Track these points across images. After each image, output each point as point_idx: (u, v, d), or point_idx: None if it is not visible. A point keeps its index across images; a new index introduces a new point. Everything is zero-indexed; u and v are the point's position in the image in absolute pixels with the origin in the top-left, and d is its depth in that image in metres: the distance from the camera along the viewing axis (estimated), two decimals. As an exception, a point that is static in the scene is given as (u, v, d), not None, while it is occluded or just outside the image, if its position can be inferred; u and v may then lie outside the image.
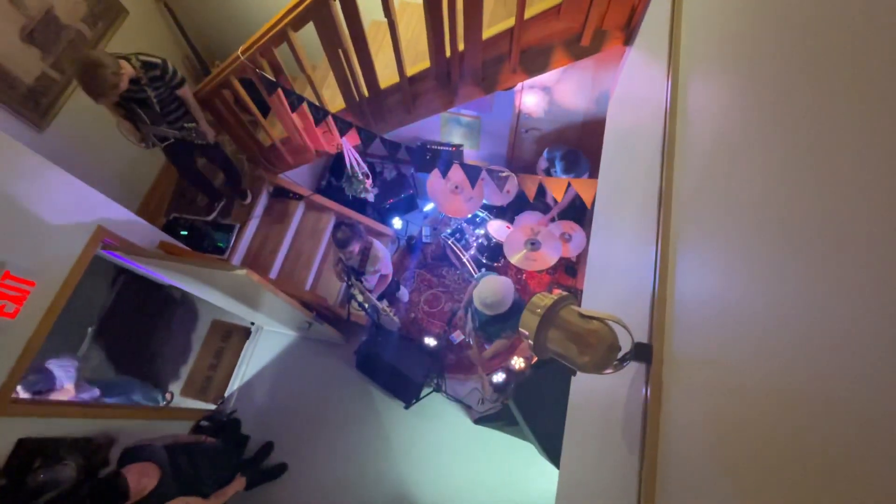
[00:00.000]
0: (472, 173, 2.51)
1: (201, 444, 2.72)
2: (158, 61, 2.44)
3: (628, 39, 2.23)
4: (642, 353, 1.05)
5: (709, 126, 1.13)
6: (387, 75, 2.61)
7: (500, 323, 2.77)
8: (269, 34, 2.35)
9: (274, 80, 2.55)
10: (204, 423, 3.42)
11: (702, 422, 0.84)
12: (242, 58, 2.47)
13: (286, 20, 2.26)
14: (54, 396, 3.04)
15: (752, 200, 0.82)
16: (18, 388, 2.75)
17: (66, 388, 3.10)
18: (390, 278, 3.30)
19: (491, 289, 2.55)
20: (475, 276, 3.01)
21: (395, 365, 3.54)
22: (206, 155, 3.15)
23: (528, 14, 2.16)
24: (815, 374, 0.57)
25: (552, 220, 3.63)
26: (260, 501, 3.37)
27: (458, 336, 3.83)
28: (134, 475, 2.08)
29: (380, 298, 3.27)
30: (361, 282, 3.01)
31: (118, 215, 2.56)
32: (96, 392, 3.32)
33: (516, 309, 2.66)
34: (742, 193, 0.87)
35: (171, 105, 2.61)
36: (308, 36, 2.34)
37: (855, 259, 0.54)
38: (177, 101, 2.63)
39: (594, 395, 1.61)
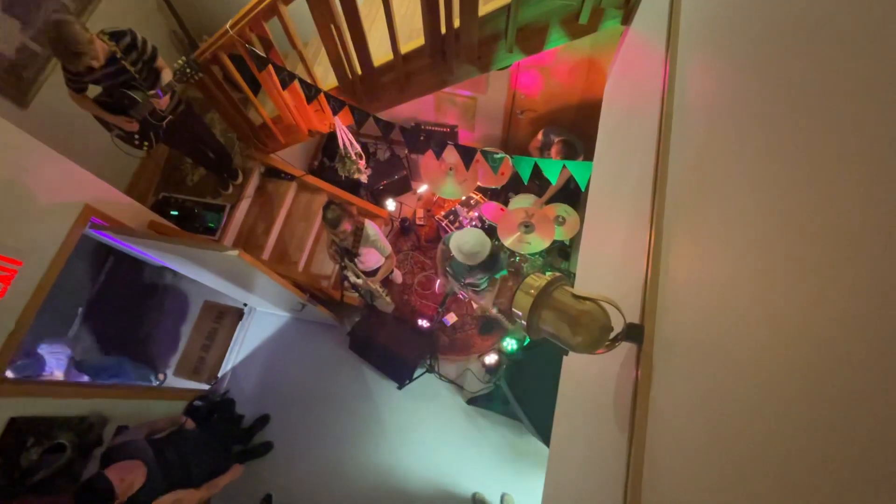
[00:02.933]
0: (467, 155, 2.49)
1: (184, 430, 2.67)
2: (125, 29, 2.33)
3: (627, 18, 2.19)
4: (634, 333, 1.06)
5: (705, 109, 1.12)
6: (380, 53, 2.56)
7: (481, 271, 2.87)
8: (258, 7, 2.29)
9: (264, 55, 2.49)
10: (198, 402, 3.44)
11: (691, 402, 0.85)
12: (231, 32, 2.40)
13: (276, -7, 2.20)
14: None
15: (746, 184, 0.82)
16: (8, 371, 2.74)
17: (55, 375, 3.09)
18: (394, 261, 3.26)
19: (468, 238, 2.65)
20: (443, 239, 3.09)
21: (389, 346, 3.56)
22: (200, 138, 3.08)
23: (525, -10, 2.12)
24: (805, 357, 0.58)
25: (544, 203, 3.62)
26: (251, 481, 3.42)
27: (451, 318, 3.86)
28: (117, 474, 2.03)
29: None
30: (355, 263, 3.00)
31: (106, 194, 2.52)
32: (85, 379, 3.31)
33: (495, 256, 2.79)
34: (737, 177, 0.87)
35: (151, 81, 2.52)
36: (299, 10, 2.28)
37: (849, 243, 0.54)
38: (154, 75, 2.52)
39: (585, 375, 1.63)
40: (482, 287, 3.12)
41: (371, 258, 3.12)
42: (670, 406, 0.93)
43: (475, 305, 3.35)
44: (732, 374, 0.73)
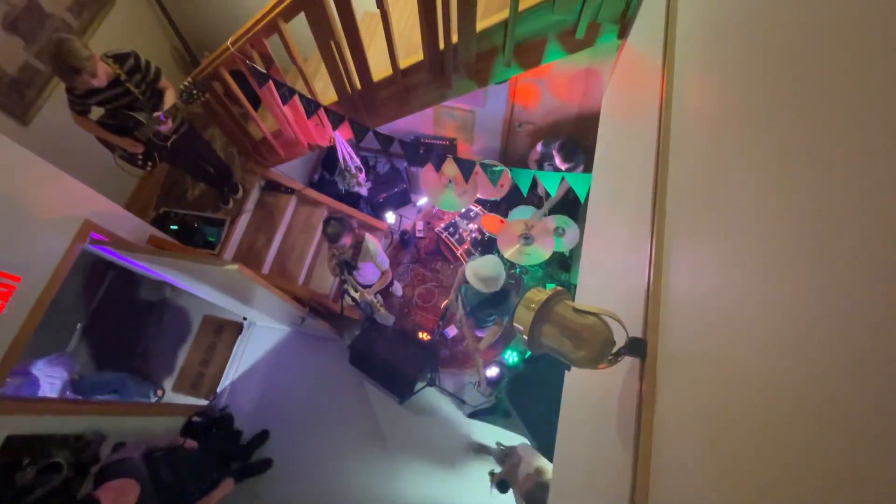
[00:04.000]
0: (466, 167, 2.50)
1: (181, 449, 2.63)
2: (129, 51, 2.35)
3: (623, 32, 2.22)
4: (636, 347, 1.05)
5: (703, 120, 1.12)
6: (380, 68, 2.58)
7: (490, 307, 2.84)
8: (259, 24, 2.31)
9: (265, 71, 2.51)
10: (196, 418, 3.40)
11: (695, 417, 0.84)
12: (232, 49, 2.43)
13: (277, 10, 2.22)
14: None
15: (746, 194, 0.82)
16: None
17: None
18: (390, 275, 3.26)
19: (486, 264, 2.65)
20: (467, 260, 3.08)
21: (389, 360, 3.53)
22: (202, 156, 3.10)
23: (522, 6, 2.14)
24: (809, 369, 0.57)
25: (543, 215, 3.63)
26: (250, 498, 3.36)
27: (451, 331, 3.83)
28: (109, 495, 1.99)
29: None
30: (354, 276, 2.99)
31: (106, 209, 2.52)
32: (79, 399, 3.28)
33: (506, 294, 2.76)
34: (736, 187, 0.86)
35: (155, 101, 2.52)
36: (299, 27, 2.30)
37: (850, 253, 0.53)
38: (158, 96, 2.53)
39: (588, 389, 1.61)
40: (486, 324, 3.09)
41: (368, 272, 3.12)
42: (675, 422, 0.91)
43: (466, 338, 3.30)
44: (740, 388, 0.72)
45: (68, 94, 2.30)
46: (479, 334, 3.24)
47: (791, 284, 0.64)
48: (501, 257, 3.20)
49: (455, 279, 3.11)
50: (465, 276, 2.91)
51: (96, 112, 2.45)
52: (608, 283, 1.69)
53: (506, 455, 2.99)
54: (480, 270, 2.62)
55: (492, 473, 3.24)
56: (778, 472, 0.59)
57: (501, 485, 2.75)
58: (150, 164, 2.68)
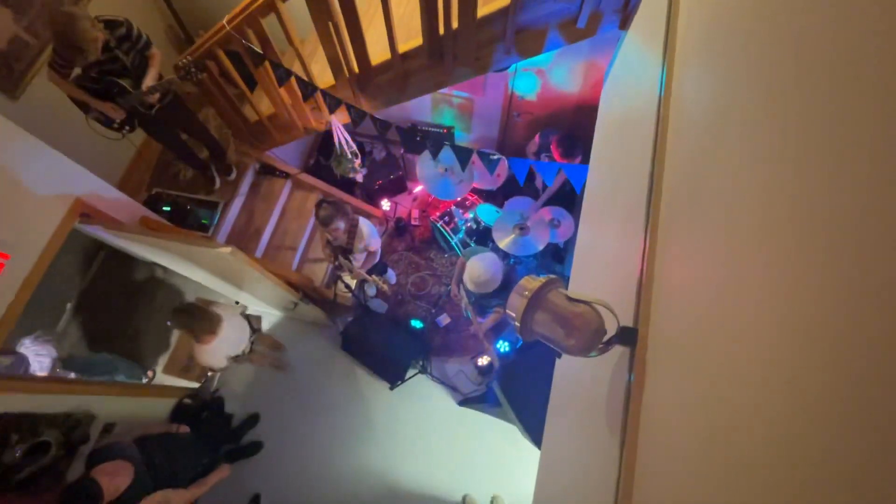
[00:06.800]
0: (463, 156, 2.48)
1: (174, 434, 2.64)
2: (121, 19, 2.31)
3: (624, 23, 2.20)
4: (627, 336, 1.06)
5: (702, 113, 1.12)
6: (378, 51, 2.55)
7: (493, 297, 2.90)
8: (256, 3, 2.27)
9: (261, 52, 2.47)
10: (187, 401, 3.40)
11: (683, 405, 0.85)
12: (228, 27, 2.39)
13: (274, -11, 2.18)
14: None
15: (741, 188, 0.82)
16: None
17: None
18: (378, 255, 3.27)
19: (479, 270, 2.69)
20: (462, 252, 3.10)
21: (381, 346, 3.54)
22: (188, 130, 3.06)
23: (524, -7, 2.12)
24: (798, 360, 0.58)
25: (541, 206, 3.63)
26: (240, 480, 3.38)
27: (444, 319, 3.85)
28: (105, 476, 1.98)
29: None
30: (350, 260, 2.98)
31: (98, 188, 2.48)
32: (72, 376, 3.27)
33: (507, 282, 2.80)
34: (732, 180, 0.87)
35: (142, 70, 2.48)
36: (297, 6, 2.26)
37: (842, 245, 0.54)
38: (146, 65, 2.49)
39: (578, 377, 1.63)
40: (490, 311, 3.14)
41: (362, 256, 3.13)
42: (663, 410, 0.93)
43: (473, 324, 3.36)
44: (727, 378, 0.73)
45: (54, 54, 2.25)
46: (481, 320, 3.29)
47: (786, 278, 0.64)
48: (498, 251, 3.22)
49: (455, 271, 3.14)
50: (461, 268, 2.94)
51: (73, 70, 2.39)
52: (601, 273, 1.70)
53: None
54: (476, 277, 2.69)
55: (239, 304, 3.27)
56: (763, 463, 0.60)
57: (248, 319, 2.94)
58: (127, 128, 2.65)
